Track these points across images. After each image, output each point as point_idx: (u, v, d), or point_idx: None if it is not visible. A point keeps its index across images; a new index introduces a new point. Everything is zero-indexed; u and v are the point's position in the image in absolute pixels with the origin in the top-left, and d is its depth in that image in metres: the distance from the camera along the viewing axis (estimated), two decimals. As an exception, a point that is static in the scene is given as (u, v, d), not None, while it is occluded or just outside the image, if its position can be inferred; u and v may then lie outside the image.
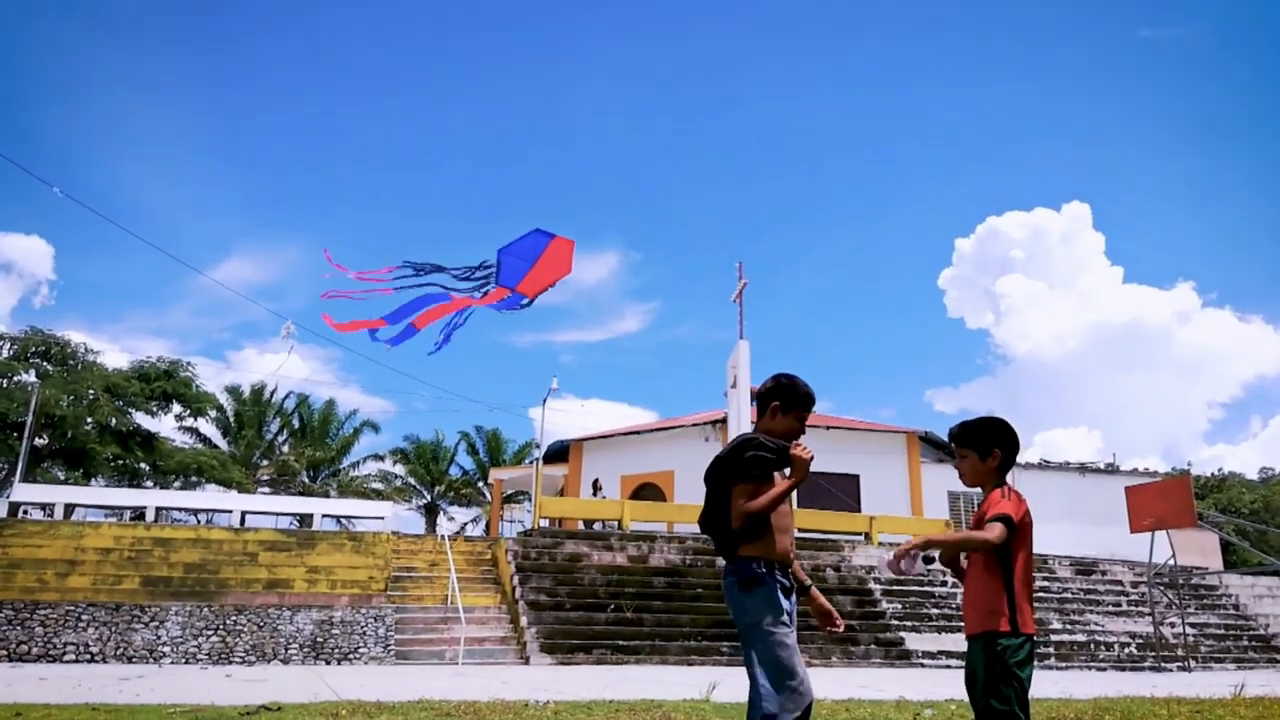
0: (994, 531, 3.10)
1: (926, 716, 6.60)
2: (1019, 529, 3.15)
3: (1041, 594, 19.74)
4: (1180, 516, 17.78)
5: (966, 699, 3.26)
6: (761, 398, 3.57)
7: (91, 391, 29.79)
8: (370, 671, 12.94)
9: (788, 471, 3.35)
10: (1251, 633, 20.38)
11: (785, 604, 3.19)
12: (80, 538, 16.69)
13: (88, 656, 13.83)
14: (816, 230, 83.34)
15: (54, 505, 22.52)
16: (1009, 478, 3.43)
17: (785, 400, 3.50)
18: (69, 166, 68.48)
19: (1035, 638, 3.22)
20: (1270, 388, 74.76)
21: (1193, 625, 19.46)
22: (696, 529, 20.58)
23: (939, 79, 76.69)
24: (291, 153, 78.07)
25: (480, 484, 43.53)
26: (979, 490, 3.43)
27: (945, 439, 30.67)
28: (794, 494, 3.36)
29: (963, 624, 3.33)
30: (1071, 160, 76.98)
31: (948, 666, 15.89)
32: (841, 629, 3.73)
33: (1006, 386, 68.15)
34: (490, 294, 10.15)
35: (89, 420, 29.97)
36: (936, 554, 3.30)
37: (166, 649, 14.16)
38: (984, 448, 3.37)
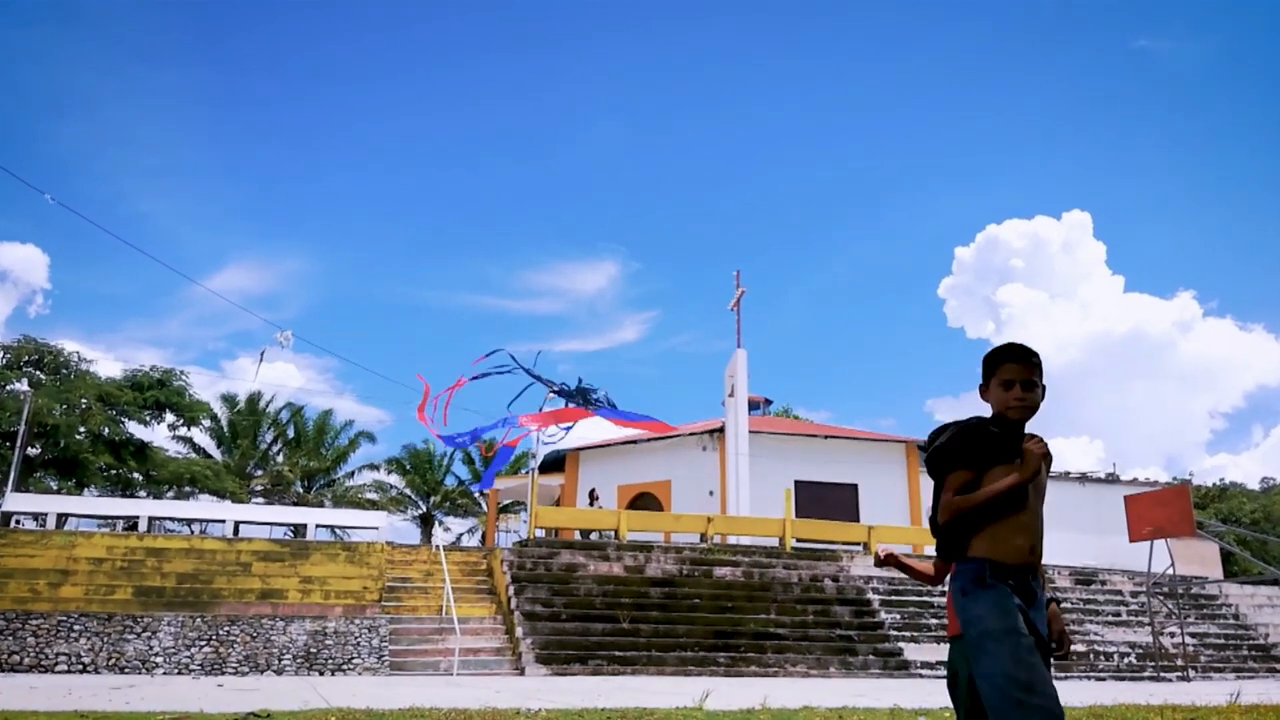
0: None
1: (925, 725, 6.53)
2: None
3: (1040, 604, 19.63)
4: (1179, 525, 17.71)
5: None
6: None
7: (84, 400, 29.70)
8: (363, 682, 12.83)
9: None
10: (1251, 642, 20.29)
11: (1019, 612, 2.64)
12: (73, 547, 16.57)
13: (80, 667, 13.71)
14: (816, 239, 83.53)
15: (46, 515, 22.38)
16: None
17: (984, 373, 2.94)
18: (67, 177, 68.51)
19: None
20: (1272, 397, 74.86)
21: (1192, 635, 19.37)
22: (694, 538, 20.65)
23: (939, 88, 77.00)
24: (289, 162, 78.16)
25: (476, 494, 43.36)
26: None
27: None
28: (1028, 493, 2.80)
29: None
30: (1072, 168, 77.24)
31: (946, 677, 15.78)
32: (1066, 655, 2.95)
33: (1004, 395, 67.92)
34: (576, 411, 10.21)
35: (82, 429, 29.86)
36: None
37: (159, 659, 14.04)
38: None
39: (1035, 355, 2.89)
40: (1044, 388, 2.88)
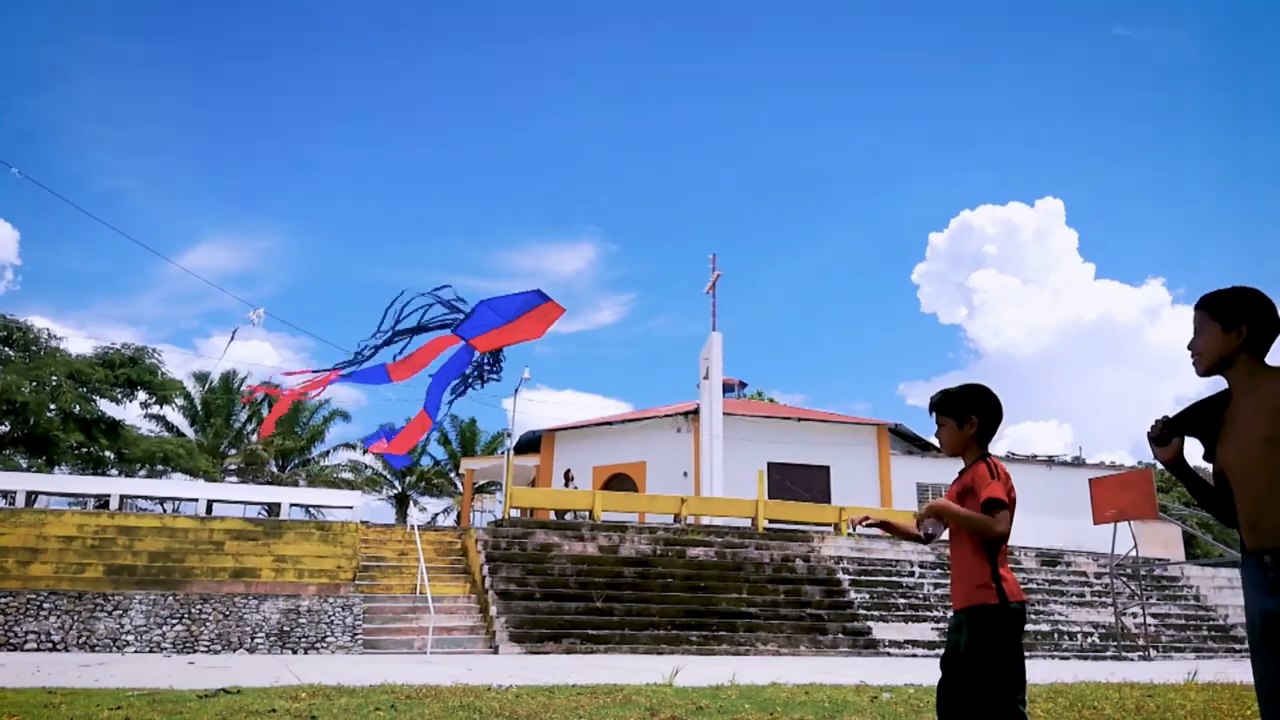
0: (1002, 523, 3.11)
1: (885, 699, 6.66)
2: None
3: (1007, 584, 19.96)
4: (1142, 508, 18.04)
5: (927, 683, 3.29)
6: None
7: (54, 378, 29.27)
8: (336, 660, 12.87)
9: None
10: (1211, 623, 20.77)
11: (1258, 602, 2.41)
12: (42, 525, 16.44)
13: (50, 645, 13.65)
14: (792, 224, 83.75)
15: (15, 493, 22.13)
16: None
17: None
18: (38, 153, 67.17)
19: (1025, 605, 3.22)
20: (1234, 384, 75.95)
21: (1154, 615, 19.81)
22: (668, 519, 20.77)
23: (914, 74, 77.21)
24: (264, 140, 77.18)
25: (452, 474, 43.33)
26: (946, 482, 3.47)
27: (914, 432, 30.36)
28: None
29: (929, 612, 3.38)
30: (1047, 156, 77.89)
31: (914, 655, 16.06)
32: None
33: (978, 380, 68.57)
34: (442, 339, 8.29)
35: (52, 407, 29.46)
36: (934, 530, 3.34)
37: (130, 638, 14.00)
38: (961, 415, 3.36)
39: (1203, 300, 2.66)
40: (1221, 327, 2.59)
